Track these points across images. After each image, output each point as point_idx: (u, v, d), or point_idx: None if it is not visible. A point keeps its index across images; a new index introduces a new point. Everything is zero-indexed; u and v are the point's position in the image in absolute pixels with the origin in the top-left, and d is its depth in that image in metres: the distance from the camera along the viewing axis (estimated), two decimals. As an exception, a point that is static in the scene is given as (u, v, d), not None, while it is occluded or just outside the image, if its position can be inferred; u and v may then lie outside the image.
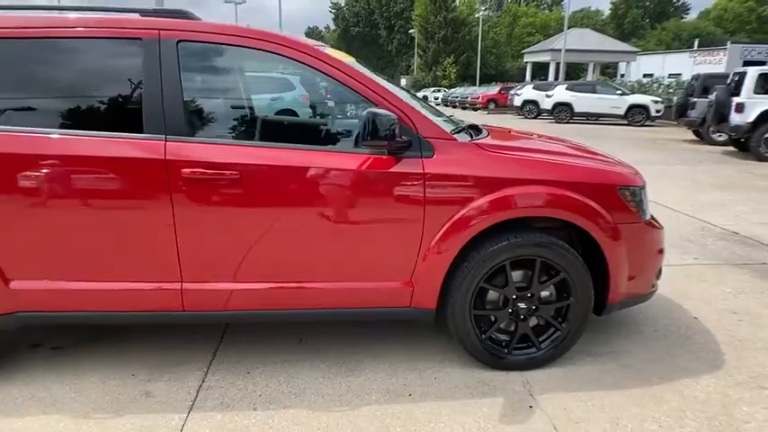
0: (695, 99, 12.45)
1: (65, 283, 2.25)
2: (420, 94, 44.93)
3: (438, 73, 49.30)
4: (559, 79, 30.01)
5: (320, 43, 2.64)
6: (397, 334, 2.84)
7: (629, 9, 66.70)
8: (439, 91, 41.41)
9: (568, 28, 32.38)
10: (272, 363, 2.60)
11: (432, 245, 2.31)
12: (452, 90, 37.90)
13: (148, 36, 2.20)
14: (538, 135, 3.22)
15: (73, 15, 2.25)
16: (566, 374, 2.51)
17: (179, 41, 2.22)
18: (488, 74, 49.43)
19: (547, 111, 19.68)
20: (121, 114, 2.26)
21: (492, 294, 2.47)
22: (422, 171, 2.25)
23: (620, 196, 2.43)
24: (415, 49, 54.05)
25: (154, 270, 2.27)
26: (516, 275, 2.45)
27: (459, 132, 2.54)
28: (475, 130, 2.83)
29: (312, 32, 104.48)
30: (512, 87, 26.29)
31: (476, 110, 28.70)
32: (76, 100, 2.25)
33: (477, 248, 2.35)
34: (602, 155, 2.83)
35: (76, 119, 2.23)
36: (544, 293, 2.50)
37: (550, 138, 3.23)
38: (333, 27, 79.64)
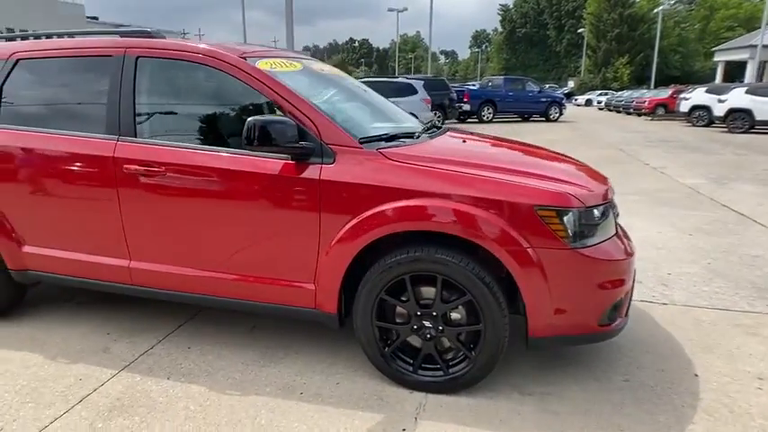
0: None
1: (53, 251, 2.82)
2: (583, 98, 41.88)
3: (608, 74, 45.33)
4: (764, 80, 25.35)
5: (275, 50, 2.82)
6: (343, 339, 2.84)
7: None
8: (605, 94, 38.10)
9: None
10: (214, 343, 2.88)
11: (328, 250, 2.35)
12: (619, 93, 34.54)
13: (117, 54, 2.64)
14: (513, 144, 2.98)
15: (73, 39, 2.81)
16: (472, 406, 2.33)
17: (138, 57, 2.61)
18: (671, 75, 43.92)
19: (719, 118, 16.86)
20: (95, 118, 2.73)
21: (398, 308, 2.41)
22: (318, 177, 2.31)
23: (536, 216, 2.18)
24: (584, 50, 50.39)
25: (109, 247, 2.71)
26: (425, 292, 2.36)
27: (385, 139, 2.52)
28: (428, 132, 2.78)
29: (479, 35, 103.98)
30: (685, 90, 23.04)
31: (639, 115, 25.83)
32: (70, 106, 2.79)
33: (379, 259, 2.33)
34: (559, 170, 2.55)
35: (65, 121, 2.76)
36: (454, 315, 2.35)
37: (529, 148, 2.96)
38: (500, 29, 78.29)
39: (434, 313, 2.34)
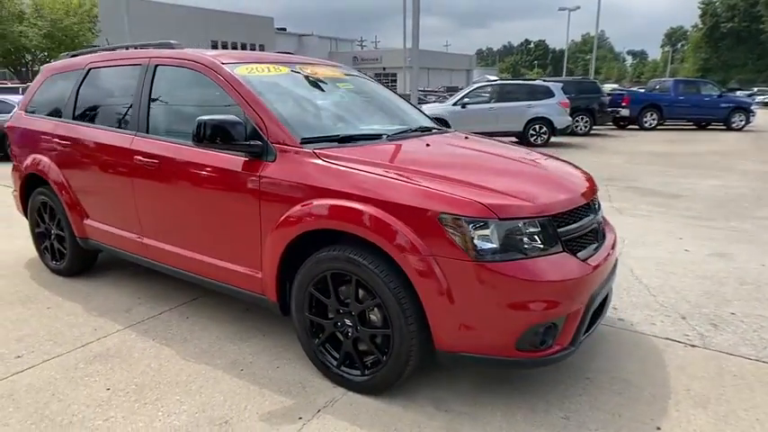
0: None
1: (100, 225, 3.49)
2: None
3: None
4: None
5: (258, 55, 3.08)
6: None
7: None
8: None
9: None
10: (207, 317, 3.27)
11: (266, 241, 2.54)
12: None
13: (144, 63, 3.18)
14: (489, 151, 2.79)
15: (108, 53, 3.45)
16: (379, 410, 2.31)
17: (157, 65, 3.11)
18: None
19: None
20: (125, 116, 3.30)
21: (325, 304, 2.49)
22: (258, 174, 2.52)
23: (439, 224, 2.07)
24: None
25: (131, 224, 3.27)
26: (346, 291, 2.40)
27: (338, 140, 2.61)
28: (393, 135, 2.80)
29: (674, 33, 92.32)
30: None
31: None
32: (116, 106, 3.41)
33: (311, 254, 2.44)
34: (505, 180, 2.37)
35: (113, 119, 3.39)
36: (373, 317, 2.35)
37: (505, 155, 2.75)
38: (700, 25, 68.47)
39: (352, 312, 2.37)
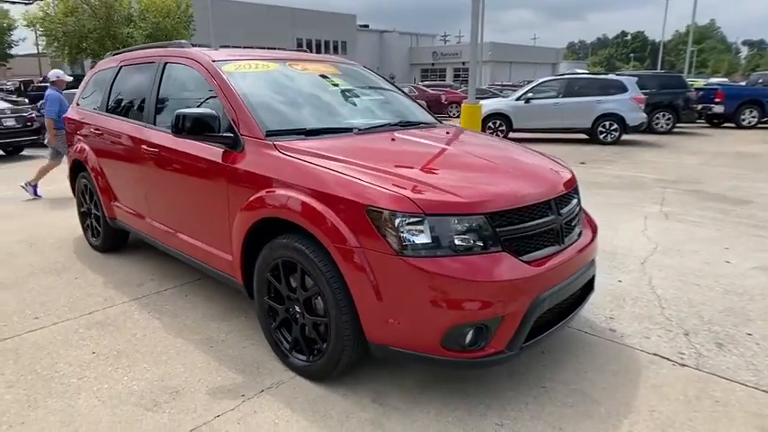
0: None
1: (124, 207, 3.84)
2: None
3: None
4: None
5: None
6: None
7: None
8: None
9: None
10: (204, 295, 3.50)
11: (233, 226, 2.68)
12: None
13: (157, 60, 3.45)
14: (458, 145, 2.72)
15: (137, 52, 3.75)
16: (317, 397, 2.37)
17: (166, 63, 3.36)
18: None
19: None
20: (141, 109, 3.59)
21: (279, 289, 2.58)
22: (228, 163, 2.66)
23: (366, 217, 2.09)
24: None
25: (141, 207, 3.57)
26: (294, 278, 2.48)
27: (305, 133, 2.69)
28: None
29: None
30: None
31: None
32: (137, 100, 3.72)
33: (269, 241, 2.56)
34: (454, 175, 2.32)
35: (136, 111, 3.70)
36: (318, 306, 2.42)
37: (472, 151, 2.67)
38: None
39: (299, 300, 2.44)
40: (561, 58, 67.92)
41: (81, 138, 4.31)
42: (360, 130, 2.87)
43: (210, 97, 2.92)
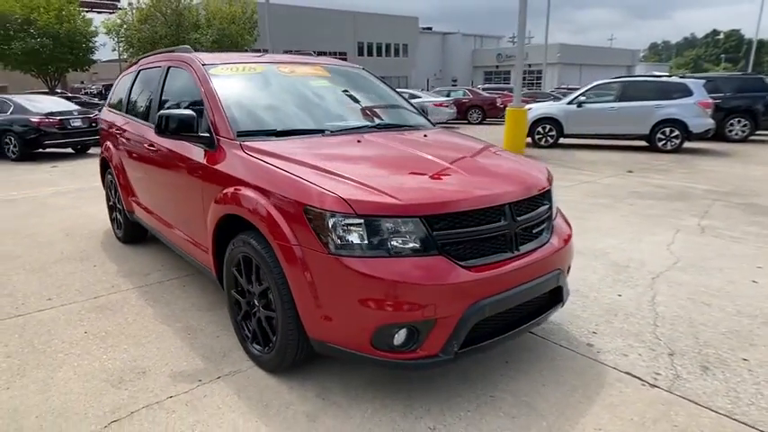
0: None
1: (138, 202, 4.14)
2: None
3: None
4: None
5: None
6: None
7: None
8: None
9: None
10: (200, 287, 3.70)
11: (206, 222, 2.83)
12: None
13: (163, 65, 3.70)
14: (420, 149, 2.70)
15: (151, 57, 4.04)
16: (265, 387, 2.46)
17: (169, 67, 3.61)
18: None
19: None
20: (148, 109, 3.85)
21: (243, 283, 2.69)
22: (204, 162, 2.82)
23: (303, 216, 2.15)
24: None
25: (147, 202, 3.84)
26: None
27: (276, 134, 2.80)
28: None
29: None
30: None
31: None
32: (144, 102, 4.00)
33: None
34: (401, 177, 2.33)
35: (138, 112, 3.99)
36: (271, 299, 2.50)
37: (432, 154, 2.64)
38: None
39: (256, 293, 2.55)
40: (637, 61, 64.46)
41: (107, 137, 4.69)
42: (332, 132, 2.94)
43: (201, 99, 3.09)
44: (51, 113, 11.08)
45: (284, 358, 2.43)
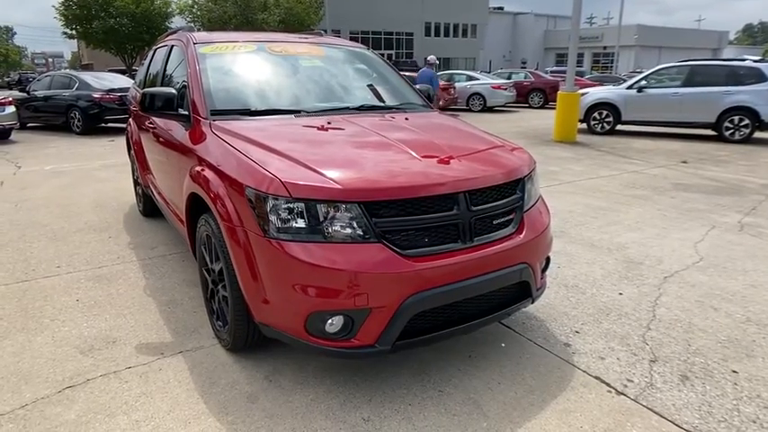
0: None
1: (148, 175, 4.31)
2: None
3: None
4: None
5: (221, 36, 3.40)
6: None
7: None
8: None
9: None
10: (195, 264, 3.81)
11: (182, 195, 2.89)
12: None
13: (170, 44, 3.79)
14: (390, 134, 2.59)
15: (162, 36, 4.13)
16: (221, 366, 2.50)
17: (173, 46, 3.69)
18: None
19: None
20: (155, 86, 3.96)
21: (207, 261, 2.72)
22: (181, 140, 2.88)
23: (245, 197, 2.13)
24: None
25: (152, 177, 3.98)
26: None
27: (249, 113, 2.80)
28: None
29: None
30: None
31: None
32: (154, 79, 4.11)
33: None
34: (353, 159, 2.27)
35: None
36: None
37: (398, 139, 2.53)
38: None
39: (215, 272, 2.58)
40: (725, 43, 59.21)
41: (129, 113, 4.90)
42: (307, 112, 2.89)
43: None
44: (112, 90, 11.76)
45: (236, 337, 2.45)
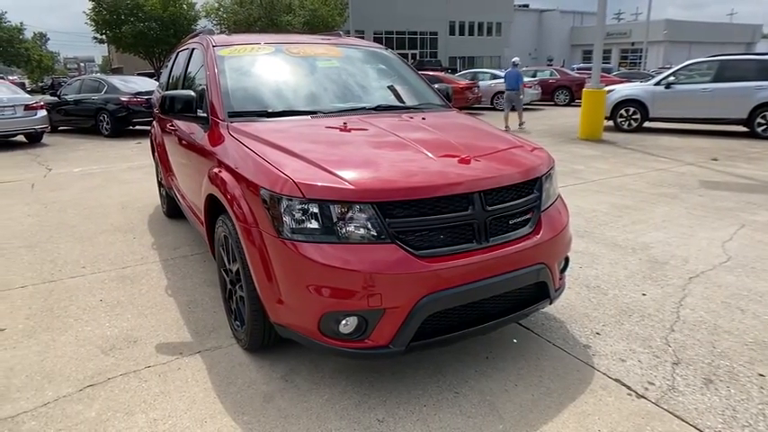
0: None
1: (173, 180, 4.39)
2: None
3: None
4: None
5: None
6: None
7: None
8: None
9: None
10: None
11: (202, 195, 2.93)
12: None
13: (191, 47, 3.85)
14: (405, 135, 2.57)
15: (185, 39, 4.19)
16: (240, 365, 2.53)
17: (193, 49, 3.75)
18: None
19: None
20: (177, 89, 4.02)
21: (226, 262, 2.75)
22: (200, 142, 2.92)
23: (259, 198, 2.15)
24: None
25: (175, 179, 4.05)
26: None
27: (266, 115, 2.82)
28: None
29: None
30: None
31: None
32: (176, 81, 4.18)
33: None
34: (368, 160, 2.26)
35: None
36: (250, 281, 2.55)
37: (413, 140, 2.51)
38: None
39: (233, 272, 2.61)
40: (759, 37, 57.22)
41: (154, 116, 5.00)
42: (324, 113, 2.90)
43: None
44: (139, 93, 12.04)
45: (253, 337, 2.48)
